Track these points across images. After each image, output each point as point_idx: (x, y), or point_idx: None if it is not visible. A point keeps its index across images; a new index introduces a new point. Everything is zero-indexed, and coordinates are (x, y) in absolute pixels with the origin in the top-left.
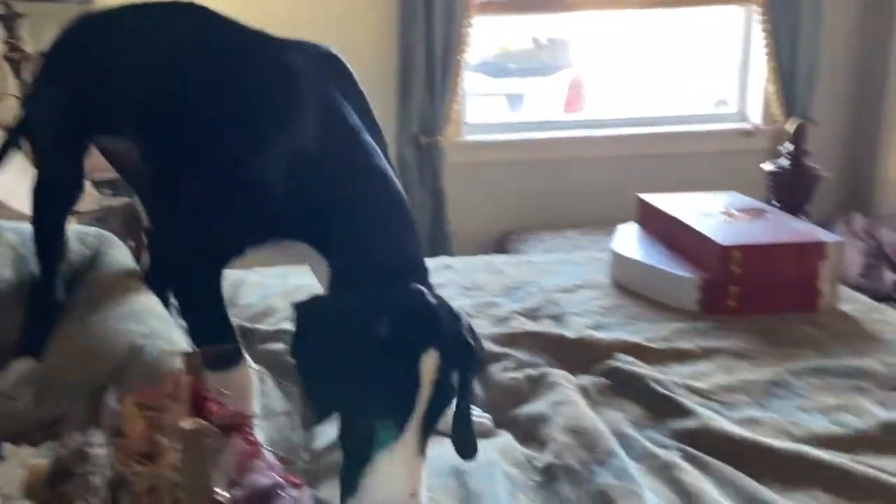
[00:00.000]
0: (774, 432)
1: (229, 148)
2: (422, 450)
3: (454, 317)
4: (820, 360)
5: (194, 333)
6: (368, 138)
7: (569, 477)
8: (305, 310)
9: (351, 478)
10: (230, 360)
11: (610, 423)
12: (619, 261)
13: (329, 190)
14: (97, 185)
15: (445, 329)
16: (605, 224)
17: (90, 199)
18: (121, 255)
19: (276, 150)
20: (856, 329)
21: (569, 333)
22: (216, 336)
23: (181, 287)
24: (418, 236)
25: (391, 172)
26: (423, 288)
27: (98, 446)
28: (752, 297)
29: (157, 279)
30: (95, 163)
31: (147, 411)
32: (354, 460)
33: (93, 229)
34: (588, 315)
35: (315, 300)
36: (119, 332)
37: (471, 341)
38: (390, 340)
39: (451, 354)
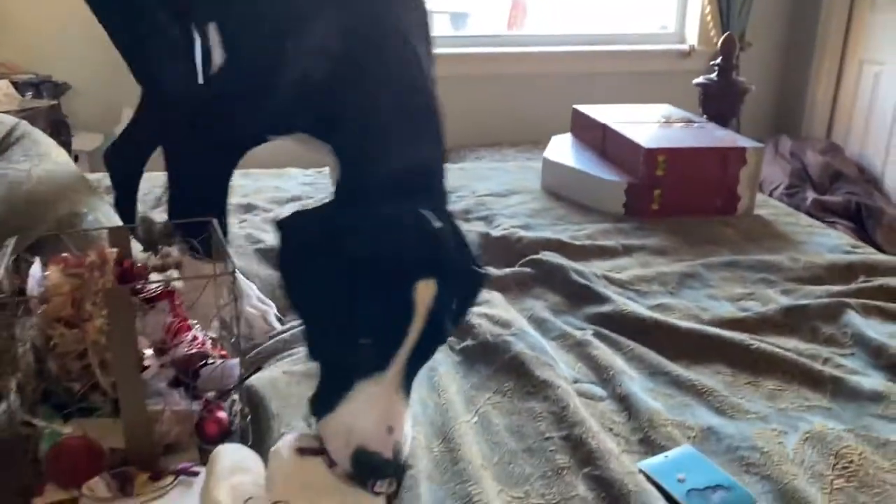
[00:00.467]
0: (683, 316)
1: (263, 29)
2: (406, 391)
3: (462, 246)
4: (733, 257)
5: (180, 203)
6: (415, 48)
7: (485, 351)
8: (288, 225)
9: (327, 395)
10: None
11: (528, 309)
12: (550, 167)
13: (356, 91)
14: (18, 86)
15: (449, 258)
16: (544, 142)
17: (9, 99)
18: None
19: (304, 38)
20: (769, 230)
21: (495, 232)
22: (203, 210)
23: (191, 157)
24: (443, 154)
25: (430, 86)
26: (425, 212)
27: (23, 313)
28: (675, 200)
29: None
30: (14, 64)
31: (71, 278)
32: (334, 380)
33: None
34: (517, 217)
35: (298, 215)
36: (62, 196)
37: (480, 272)
38: (383, 262)
39: (452, 287)
